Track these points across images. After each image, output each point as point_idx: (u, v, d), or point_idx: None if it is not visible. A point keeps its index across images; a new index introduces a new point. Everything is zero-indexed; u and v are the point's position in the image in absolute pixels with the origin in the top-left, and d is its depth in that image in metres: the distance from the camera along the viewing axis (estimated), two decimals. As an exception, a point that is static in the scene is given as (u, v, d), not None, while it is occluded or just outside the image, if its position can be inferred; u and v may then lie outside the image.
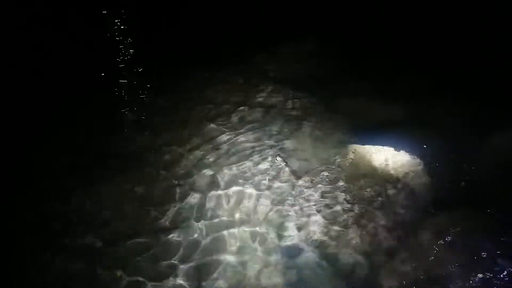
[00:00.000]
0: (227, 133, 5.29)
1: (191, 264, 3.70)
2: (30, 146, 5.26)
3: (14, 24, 8.00)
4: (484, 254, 3.46)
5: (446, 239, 3.64)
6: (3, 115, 5.78)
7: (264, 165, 4.69)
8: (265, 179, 4.50)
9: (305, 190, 4.31)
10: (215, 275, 3.60)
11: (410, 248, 3.66)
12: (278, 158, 4.76)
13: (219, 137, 5.23)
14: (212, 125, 5.44)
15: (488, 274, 3.32)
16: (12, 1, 8.36)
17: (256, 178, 4.52)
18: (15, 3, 8.33)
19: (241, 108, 5.75)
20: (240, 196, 4.33)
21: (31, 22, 8.11)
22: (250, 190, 4.39)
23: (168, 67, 6.98)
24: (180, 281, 3.58)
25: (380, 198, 4.12)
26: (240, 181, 4.52)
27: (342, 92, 5.87)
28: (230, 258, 3.72)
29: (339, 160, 4.63)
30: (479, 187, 4.14)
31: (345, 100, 5.71)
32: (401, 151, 4.60)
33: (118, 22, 8.57)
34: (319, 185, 4.33)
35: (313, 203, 4.14)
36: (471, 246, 3.55)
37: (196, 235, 3.96)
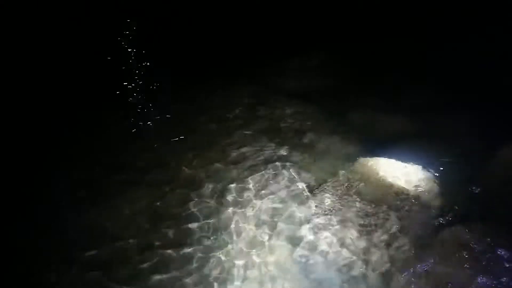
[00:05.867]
0: (237, 146, 5.36)
1: (204, 278, 3.71)
2: (40, 161, 5.29)
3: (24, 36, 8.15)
4: (496, 268, 3.49)
5: (458, 252, 3.66)
6: (14, 129, 5.85)
7: (276, 178, 4.75)
8: (278, 192, 4.55)
9: (317, 203, 4.36)
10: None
11: (421, 262, 3.68)
12: (291, 170, 4.83)
13: (229, 151, 5.29)
14: (222, 140, 5.52)
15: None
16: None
17: (269, 191, 4.57)
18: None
19: (250, 122, 5.84)
20: (253, 210, 4.36)
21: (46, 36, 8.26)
22: (263, 203, 4.44)
23: (177, 81, 7.06)
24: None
25: (390, 211, 4.16)
26: (252, 195, 4.56)
27: (351, 106, 5.97)
28: (242, 272, 3.74)
29: (349, 173, 4.69)
30: (489, 201, 4.19)
31: (354, 114, 5.80)
32: (411, 164, 4.68)
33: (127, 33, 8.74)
34: (331, 198, 4.39)
35: (326, 216, 4.19)
36: (483, 259, 3.58)
37: (207, 250, 3.98)
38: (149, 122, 5.92)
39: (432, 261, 3.67)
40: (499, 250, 3.64)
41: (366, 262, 3.72)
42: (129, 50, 7.97)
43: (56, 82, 7.06)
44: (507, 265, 3.51)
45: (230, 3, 9.61)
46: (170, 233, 4.18)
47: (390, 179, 4.53)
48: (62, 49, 8.01)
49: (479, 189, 4.36)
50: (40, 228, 4.30)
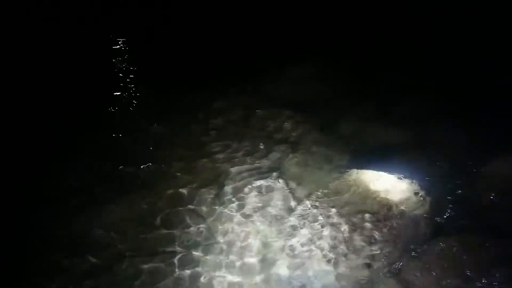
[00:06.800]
0: (228, 155, 5.36)
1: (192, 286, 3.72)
2: (30, 167, 5.25)
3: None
4: (481, 281, 3.52)
5: (447, 265, 3.69)
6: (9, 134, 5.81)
7: (265, 188, 4.76)
8: (266, 202, 4.57)
9: (305, 213, 4.38)
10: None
11: (408, 273, 3.71)
12: (280, 180, 4.84)
13: (220, 160, 5.29)
14: (214, 148, 5.52)
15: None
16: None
17: (258, 201, 4.59)
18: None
19: (242, 130, 5.84)
20: (241, 219, 4.39)
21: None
22: (251, 213, 4.45)
23: (172, 88, 7.06)
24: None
25: (378, 223, 4.19)
26: (241, 203, 4.58)
27: (342, 116, 5.98)
28: (228, 281, 3.75)
29: (338, 184, 4.71)
30: (480, 213, 4.24)
31: (345, 124, 5.82)
32: (401, 176, 4.71)
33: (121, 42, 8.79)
34: (319, 210, 4.41)
35: (313, 226, 4.21)
36: (470, 272, 3.61)
37: (196, 259, 3.98)
38: (141, 131, 5.90)
39: (419, 272, 3.69)
40: (487, 262, 3.66)
41: (353, 273, 3.73)
42: (123, 60, 8.02)
43: (53, 85, 7.02)
44: (494, 278, 3.53)
45: (226, 9, 9.66)
46: (160, 241, 4.18)
47: (379, 190, 4.56)
48: (59, 52, 8.01)
49: (468, 201, 4.39)
50: (29, 234, 4.28)
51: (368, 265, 3.81)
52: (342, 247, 3.97)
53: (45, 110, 6.34)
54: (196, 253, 4.03)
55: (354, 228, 4.15)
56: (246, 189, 4.76)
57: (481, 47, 6.97)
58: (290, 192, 4.69)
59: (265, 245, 4.08)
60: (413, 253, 3.88)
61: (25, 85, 7.03)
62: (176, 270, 3.87)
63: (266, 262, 3.91)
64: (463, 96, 6.02)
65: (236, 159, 5.28)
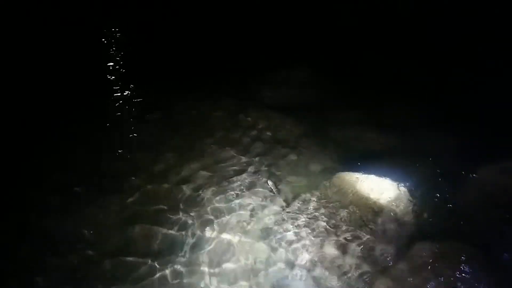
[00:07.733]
0: (215, 157, 5.39)
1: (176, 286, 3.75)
2: (13, 168, 5.25)
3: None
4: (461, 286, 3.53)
5: (429, 270, 3.68)
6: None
7: (254, 189, 4.80)
8: (254, 204, 4.60)
9: (293, 215, 4.41)
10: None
11: (391, 278, 3.70)
12: (269, 182, 4.88)
13: (207, 162, 5.31)
14: (201, 150, 5.54)
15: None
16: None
17: (246, 203, 4.62)
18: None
19: (231, 134, 5.86)
20: (228, 221, 4.41)
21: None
22: (239, 215, 4.48)
23: (160, 90, 7.09)
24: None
25: (365, 227, 4.19)
26: (228, 205, 4.60)
27: (332, 120, 6.01)
28: (210, 282, 3.78)
29: (327, 187, 4.72)
30: (464, 219, 4.23)
31: (335, 128, 5.84)
32: (389, 180, 4.71)
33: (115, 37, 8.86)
34: (307, 211, 4.43)
35: (301, 228, 4.23)
36: (454, 278, 3.60)
37: (181, 260, 4.01)
38: (128, 131, 5.94)
39: (401, 277, 3.69)
40: (466, 268, 3.67)
41: (338, 275, 3.74)
42: (121, 60, 8.09)
43: (49, 85, 7.08)
44: (477, 286, 3.53)
45: (219, 13, 9.72)
46: (144, 241, 4.20)
47: (367, 194, 4.55)
48: (57, 52, 8.09)
49: (453, 208, 4.39)
50: (11, 235, 4.28)
51: (350, 268, 3.82)
52: (326, 249, 3.98)
53: (28, 111, 6.35)
54: (180, 254, 4.06)
55: (340, 230, 4.16)
56: (234, 191, 4.78)
57: (474, 52, 6.95)
58: (278, 194, 4.72)
59: (251, 246, 4.10)
60: (397, 258, 3.88)
61: (23, 85, 7.09)
62: (160, 270, 3.90)
63: (250, 264, 3.93)
64: (453, 103, 6.02)
65: (225, 161, 5.31)
